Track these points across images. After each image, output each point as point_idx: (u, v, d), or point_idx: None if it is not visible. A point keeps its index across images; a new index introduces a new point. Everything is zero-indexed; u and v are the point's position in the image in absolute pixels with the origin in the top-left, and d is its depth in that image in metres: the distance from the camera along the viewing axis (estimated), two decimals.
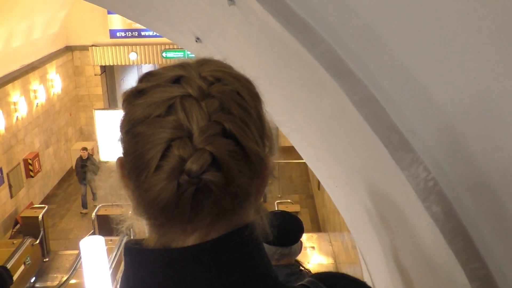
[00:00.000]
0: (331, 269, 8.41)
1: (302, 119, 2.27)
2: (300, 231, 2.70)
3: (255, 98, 0.77)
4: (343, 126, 1.70)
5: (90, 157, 12.09)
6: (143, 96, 0.72)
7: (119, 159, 0.76)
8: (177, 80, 0.72)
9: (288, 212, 2.84)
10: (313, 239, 9.90)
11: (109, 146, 10.59)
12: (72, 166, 14.87)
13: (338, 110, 1.64)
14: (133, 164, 0.71)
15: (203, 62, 0.76)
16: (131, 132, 0.72)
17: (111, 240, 9.66)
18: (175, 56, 15.19)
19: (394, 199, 1.46)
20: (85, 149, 12.01)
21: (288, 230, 2.62)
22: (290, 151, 15.00)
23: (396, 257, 1.71)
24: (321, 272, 0.92)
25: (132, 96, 0.75)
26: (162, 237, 0.74)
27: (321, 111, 1.87)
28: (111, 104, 15.74)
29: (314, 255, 9.36)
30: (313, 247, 9.60)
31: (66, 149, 14.68)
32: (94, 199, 12.27)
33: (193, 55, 13.31)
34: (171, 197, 0.68)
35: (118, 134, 0.77)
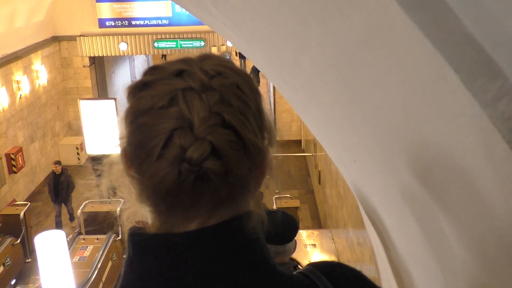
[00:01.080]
0: None
1: (311, 65, 1.63)
2: (295, 230, 2.70)
3: (254, 92, 0.78)
4: (377, 54, 1.07)
5: (64, 172, 10.73)
6: (147, 89, 0.75)
7: (123, 149, 0.77)
8: (179, 74, 0.75)
9: (283, 210, 2.81)
10: (314, 236, 9.31)
11: (96, 138, 9.94)
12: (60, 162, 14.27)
13: (369, 30, 1.05)
14: (137, 152, 0.73)
15: (205, 57, 0.79)
16: (135, 122, 0.74)
17: (97, 239, 9.08)
18: (167, 46, 14.58)
19: (464, 159, 0.85)
20: (58, 163, 10.72)
21: (283, 229, 2.63)
22: (289, 144, 14.44)
23: (457, 254, 1.10)
24: (318, 261, 0.93)
25: (137, 89, 0.76)
26: (164, 224, 0.76)
27: (341, 43, 1.24)
28: (101, 97, 15.08)
29: (315, 253, 8.76)
30: (314, 245, 9.00)
31: (54, 144, 14.05)
32: (71, 219, 11.06)
33: (185, 45, 12.63)
34: (172, 184, 0.71)
35: (122, 125, 0.77)
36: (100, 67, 15.78)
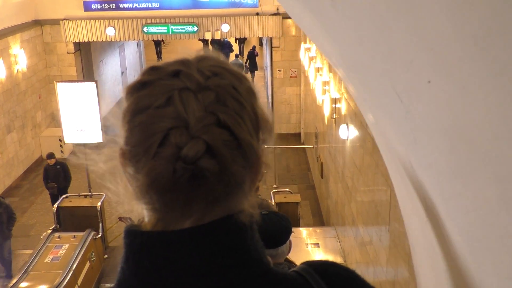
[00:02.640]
0: None
1: None
2: (287, 232, 2.69)
3: (250, 92, 0.79)
4: None
5: (1, 202, 8.38)
6: (145, 89, 0.76)
7: (120, 149, 0.77)
8: (176, 74, 0.76)
9: (275, 212, 2.84)
10: (316, 235, 8.38)
11: (75, 126, 8.95)
12: (41, 155, 13.27)
13: None
14: (134, 151, 0.74)
15: (202, 58, 0.79)
16: (132, 121, 0.75)
17: (74, 237, 8.12)
18: (157, 31, 13.62)
19: None
20: None
21: (275, 232, 2.63)
22: (287, 137, 13.45)
23: None
24: (312, 260, 0.92)
25: (135, 88, 0.77)
26: (160, 221, 0.76)
27: None
28: (80, 79, 14.03)
29: (318, 253, 7.80)
30: (316, 244, 8.06)
31: (34, 135, 13.06)
32: (6, 268, 8.47)
33: (177, 30, 11.86)
34: (168, 181, 0.71)
35: (119, 125, 0.78)
36: (87, 54, 14.79)
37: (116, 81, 17.95)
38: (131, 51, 20.48)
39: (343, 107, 7.43)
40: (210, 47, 23.59)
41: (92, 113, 8.99)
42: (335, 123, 8.01)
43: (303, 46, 12.21)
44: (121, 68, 18.67)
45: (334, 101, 7.85)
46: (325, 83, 8.65)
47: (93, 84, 8.89)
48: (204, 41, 18.08)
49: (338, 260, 7.66)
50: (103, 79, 16.26)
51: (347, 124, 6.99)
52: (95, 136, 9.03)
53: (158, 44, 23.85)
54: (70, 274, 7.17)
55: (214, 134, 0.71)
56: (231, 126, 0.72)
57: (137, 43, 21.43)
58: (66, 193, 9.64)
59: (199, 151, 0.70)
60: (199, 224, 0.74)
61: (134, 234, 0.77)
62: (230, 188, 0.74)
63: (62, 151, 13.32)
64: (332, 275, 0.87)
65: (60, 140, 13.05)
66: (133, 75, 20.29)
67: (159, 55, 24.06)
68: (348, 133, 6.93)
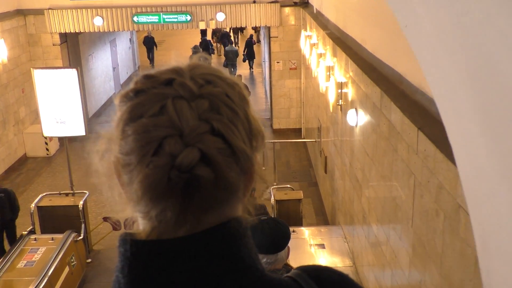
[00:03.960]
0: (349, 273, 5.93)
1: None
2: (286, 238, 2.67)
3: (243, 100, 0.80)
4: None
5: None
6: (138, 97, 0.77)
7: (114, 157, 0.78)
8: (169, 83, 0.77)
9: (275, 218, 2.80)
10: (321, 234, 7.56)
11: (55, 117, 8.14)
12: (25, 153, 12.46)
13: None
14: (128, 159, 0.74)
15: (195, 66, 0.80)
16: (126, 130, 0.75)
17: (52, 239, 7.30)
18: (148, 21, 12.83)
19: None
20: None
21: (274, 238, 2.62)
22: (287, 133, 12.46)
23: None
24: (306, 265, 0.93)
25: (128, 97, 0.78)
26: (154, 230, 0.77)
27: None
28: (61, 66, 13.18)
29: (323, 255, 7.00)
30: (321, 245, 7.24)
31: (17, 132, 12.23)
32: None
33: (169, 19, 11.12)
34: (162, 190, 0.72)
35: (112, 133, 0.79)
36: (74, 47, 13.99)
37: (107, 77, 17.15)
38: (124, 47, 19.68)
39: (350, 92, 6.65)
40: (210, 36, 22.85)
41: (73, 103, 8.17)
42: (341, 110, 7.23)
43: (303, 33, 11.44)
44: (113, 64, 17.86)
45: (340, 85, 7.07)
46: (329, 68, 7.87)
47: (74, 71, 8.06)
48: (203, 31, 17.37)
49: (347, 262, 6.85)
50: (92, 74, 15.46)
51: (355, 109, 6.21)
52: (77, 129, 8.22)
53: (150, 49, 21.66)
54: (45, 280, 6.36)
55: (208, 142, 0.71)
56: (225, 134, 0.73)
57: (130, 38, 20.63)
58: (13, 226, 8.03)
59: (194, 159, 0.70)
60: (193, 233, 0.74)
61: (128, 242, 0.76)
62: (225, 195, 0.75)
63: (47, 149, 12.54)
64: (326, 280, 0.87)
65: (45, 138, 12.26)
66: (126, 72, 19.48)
67: (151, 59, 21.77)
68: (357, 119, 6.14)
